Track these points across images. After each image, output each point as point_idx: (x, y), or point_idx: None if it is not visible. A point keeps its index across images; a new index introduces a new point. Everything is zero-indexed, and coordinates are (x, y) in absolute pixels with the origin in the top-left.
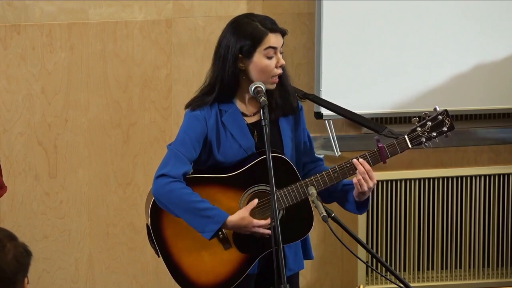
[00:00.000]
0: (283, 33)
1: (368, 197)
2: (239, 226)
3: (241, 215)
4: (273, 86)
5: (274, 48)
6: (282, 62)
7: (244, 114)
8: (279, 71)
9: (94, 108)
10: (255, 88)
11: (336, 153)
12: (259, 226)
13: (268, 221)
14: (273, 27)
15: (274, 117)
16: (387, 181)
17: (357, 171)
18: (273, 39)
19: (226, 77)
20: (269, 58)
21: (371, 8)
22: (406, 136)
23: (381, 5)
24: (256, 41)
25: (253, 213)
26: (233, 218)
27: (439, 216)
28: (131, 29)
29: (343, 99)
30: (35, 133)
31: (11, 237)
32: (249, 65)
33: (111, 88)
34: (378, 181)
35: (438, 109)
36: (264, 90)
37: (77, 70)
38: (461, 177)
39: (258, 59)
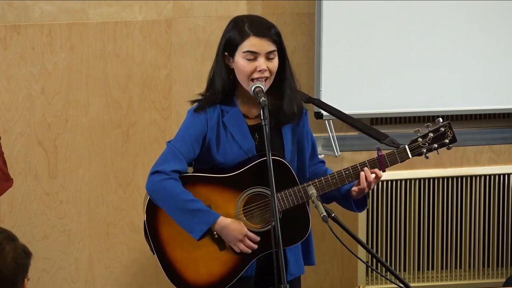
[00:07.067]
0: (273, 39)
1: (366, 195)
2: (229, 230)
3: (233, 220)
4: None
5: (253, 52)
6: (262, 67)
7: (246, 116)
8: (258, 75)
9: (94, 108)
10: (255, 88)
11: (336, 153)
12: (249, 237)
13: (257, 238)
14: (258, 31)
15: (277, 124)
16: (387, 181)
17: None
18: (253, 43)
19: (217, 73)
20: (249, 60)
21: (371, 8)
22: (406, 146)
23: (381, 5)
24: (237, 42)
25: (251, 214)
26: (224, 220)
27: (439, 216)
28: (131, 29)
29: (343, 99)
30: (35, 133)
31: (11, 238)
32: (234, 64)
33: (111, 88)
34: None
35: (441, 120)
36: (264, 90)
37: (77, 70)
38: (461, 177)
39: (238, 60)
